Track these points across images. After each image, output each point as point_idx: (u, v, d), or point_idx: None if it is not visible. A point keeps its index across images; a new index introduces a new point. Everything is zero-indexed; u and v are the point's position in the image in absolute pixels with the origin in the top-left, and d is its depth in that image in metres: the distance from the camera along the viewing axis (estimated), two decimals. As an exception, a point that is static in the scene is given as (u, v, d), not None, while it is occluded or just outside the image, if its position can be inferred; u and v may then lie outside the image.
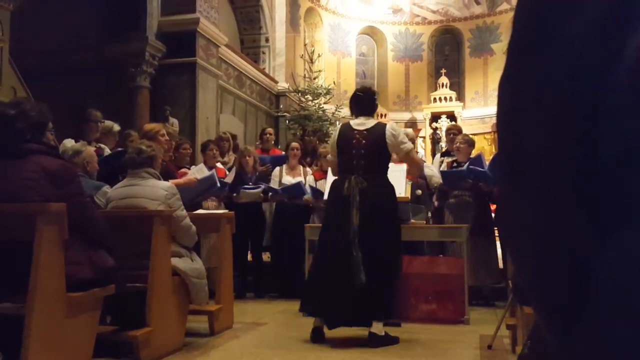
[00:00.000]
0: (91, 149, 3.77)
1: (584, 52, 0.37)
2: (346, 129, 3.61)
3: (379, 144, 3.48)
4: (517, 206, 0.42)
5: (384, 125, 3.61)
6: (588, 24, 0.37)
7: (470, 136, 5.35)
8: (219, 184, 4.83)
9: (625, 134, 0.35)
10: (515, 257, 0.44)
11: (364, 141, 3.48)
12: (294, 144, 5.69)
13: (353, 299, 3.28)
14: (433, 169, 5.24)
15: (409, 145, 3.60)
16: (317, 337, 3.46)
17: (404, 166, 4.25)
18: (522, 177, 0.41)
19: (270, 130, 6.75)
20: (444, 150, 6.12)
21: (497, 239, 5.14)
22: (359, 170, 3.44)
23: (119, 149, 4.49)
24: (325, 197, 3.81)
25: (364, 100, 3.67)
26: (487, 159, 5.52)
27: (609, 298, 0.36)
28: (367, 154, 3.46)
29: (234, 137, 6.79)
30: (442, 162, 5.44)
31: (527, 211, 0.41)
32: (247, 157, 5.48)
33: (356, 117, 3.64)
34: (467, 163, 4.81)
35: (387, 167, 3.61)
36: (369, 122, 3.57)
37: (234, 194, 5.30)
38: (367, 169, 3.45)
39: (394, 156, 3.69)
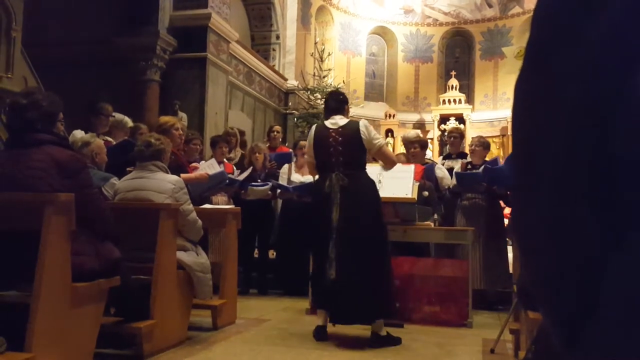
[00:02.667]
0: (100, 141, 3.79)
1: (602, 53, 0.36)
2: (320, 129, 3.64)
3: (355, 139, 3.51)
4: (530, 207, 0.42)
5: (357, 121, 3.66)
6: (607, 25, 0.36)
7: (485, 138, 5.31)
8: (227, 181, 4.84)
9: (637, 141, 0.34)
10: (525, 259, 0.44)
11: (340, 138, 3.51)
12: (303, 142, 5.67)
13: (343, 296, 3.30)
14: (444, 170, 5.22)
15: (381, 141, 3.67)
16: (319, 335, 3.46)
17: (412, 167, 4.24)
18: (536, 177, 0.40)
19: (277, 127, 6.75)
20: (447, 153, 6.11)
21: (508, 243, 5.12)
22: (339, 167, 3.47)
23: (126, 138, 4.50)
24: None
25: (332, 100, 3.74)
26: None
27: (620, 304, 0.35)
28: (344, 150, 3.49)
29: (242, 133, 6.80)
30: (443, 164, 5.42)
31: (539, 212, 0.40)
32: (258, 154, 5.49)
33: (328, 118, 3.66)
34: (483, 166, 4.79)
35: (365, 163, 3.63)
36: (342, 120, 3.61)
37: (242, 191, 5.31)
38: (346, 165, 3.47)
39: (402, 158, 3.68)
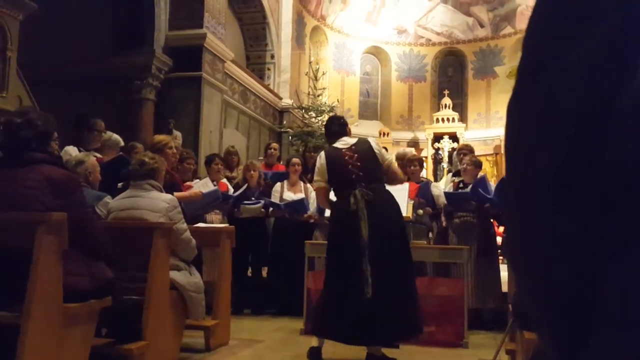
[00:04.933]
0: (94, 160, 3.78)
1: (590, 76, 0.37)
2: (333, 151, 3.61)
3: (371, 154, 3.54)
4: (524, 224, 0.42)
5: (367, 139, 3.72)
6: (594, 48, 0.37)
7: (476, 157, 5.32)
8: (221, 199, 4.83)
9: (635, 157, 0.35)
10: (520, 277, 0.43)
11: (355, 155, 3.52)
12: (295, 160, 5.70)
13: (378, 315, 3.18)
14: (441, 188, 5.23)
15: (392, 157, 3.75)
16: (314, 357, 3.42)
17: (406, 185, 4.25)
18: (530, 194, 0.40)
19: (275, 145, 6.76)
20: (451, 169, 6.07)
21: (500, 261, 5.11)
22: (361, 183, 3.43)
23: (120, 153, 4.49)
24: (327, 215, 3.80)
25: (334, 124, 3.77)
26: (490, 180, 5.50)
27: (619, 320, 0.35)
28: (363, 165, 3.48)
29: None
30: (453, 181, 5.40)
31: (534, 229, 0.40)
32: (252, 172, 5.48)
33: (335, 141, 3.66)
34: (472, 185, 4.81)
35: (383, 177, 3.61)
36: (351, 140, 3.64)
37: (235, 209, 5.29)
38: (368, 180, 3.45)
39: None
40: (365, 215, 3.32)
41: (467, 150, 5.53)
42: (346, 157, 3.51)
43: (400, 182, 3.75)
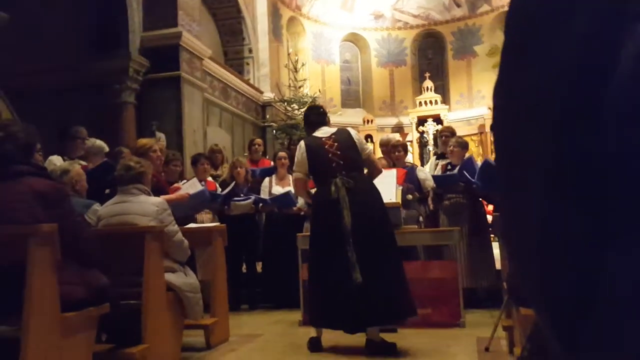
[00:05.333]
0: (79, 168, 3.75)
1: (578, 58, 0.36)
2: (312, 140, 3.63)
3: (351, 143, 3.56)
4: (518, 211, 0.41)
5: (346, 128, 3.74)
6: (581, 30, 0.36)
7: (462, 138, 5.36)
8: (210, 199, 4.82)
9: (626, 139, 0.34)
10: (518, 264, 0.43)
11: (336, 143, 3.54)
12: (282, 154, 5.70)
13: (369, 300, 3.23)
14: (426, 172, 5.27)
15: (371, 149, 3.77)
16: (314, 347, 3.45)
17: (394, 171, 4.28)
18: (522, 180, 0.40)
19: (259, 141, 6.76)
20: (437, 152, 6.10)
21: (493, 239, 5.16)
22: (341, 171, 3.46)
23: (105, 159, 4.46)
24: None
25: (313, 114, 3.79)
26: (477, 159, 5.54)
27: (619, 304, 0.35)
28: (343, 154, 3.50)
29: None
30: (437, 164, 5.45)
31: (528, 216, 0.40)
32: (239, 169, 5.48)
33: (314, 131, 3.68)
34: (459, 167, 4.85)
35: (363, 165, 3.64)
36: (331, 129, 3.67)
37: (226, 207, 5.29)
38: (348, 168, 3.48)
39: (384, 162, 3.69)
40: (347, 202, 3.35)
41: (449, 132, 5.57)
42: (326, 146, 3.53)
43: (379, 173, 3.75)
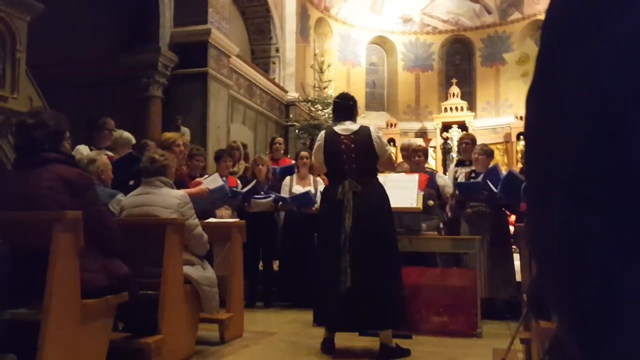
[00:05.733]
0: (105, 158, 3.81)
1: (613, 72, 0.36)
2: (331, 135, 3.60)
3: (367, 146, 3.50)
4: (546, 216, 0.41)
5: (368, 127, 3.63)
6: (619, 42, 0.36)
7: (488, 146, 5.29)
8: (230, 195, 4.85)
9: None
10: (543, 267, 0.43)
11: (352, 145, 3.49)
12: (304, 153, 5.71)
13: (358, 304, 3.26)
14: (446, 179, 5.22)
15: (391, 149, 3.74)
16: (327, 348, 3.45)
17: (416, 176, 4.25)
18: (551, 188, 0.40)
19: (280, 139, 6.78)
20: (457, 159, 6.05)
21: (514, 250, 5.08)
22: (352, 175, 3.44)
23: (130, 151, 4.52)
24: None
25: (342, 106, 3.71)
26: (502, 168, 5.47)
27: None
28: (357, 157, 3.47)
29: (245, 146, 6.84)
30: (456, 171, 5.39)
31: (555, 222, 0.40)
32: (261, 166, 5.51)
33: (338, 123, 3.65)
34: (483, 175, 4.78)
35: (377, 170, 3.61)
36: (353, 126, 3.58)
37: (245, 204, 5.32)
38: (359, 173, 3.45)
39: (406, 166, 3.67)
40: (350, 206, 3.35)
41: (470, 139, 5.53)
42: (342, 146, 3.50)
43: (393, 171, 3.78)
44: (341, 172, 3.47)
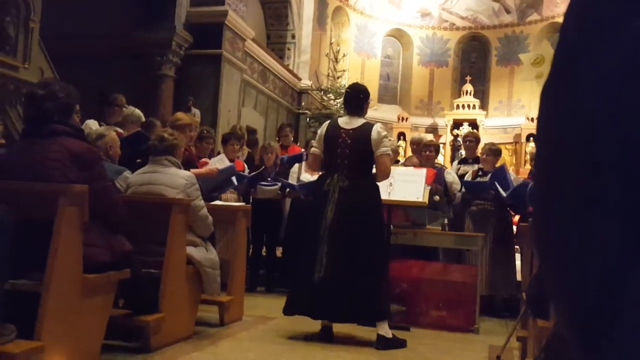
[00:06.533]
0: (114, 134, 3.81)
1: (632, 61, 0.36)
2: (334, 126, 3.61)
3: (364, 143, 3.46)
4: (553, 217, 0.42)
5: (372, 124, 3.58)
6: (635, 39, 0.36)
7: (496, 145, 5.29)
8: (235, 181, 4.84)
9: None
10: (546, 265, 0.44)
11: (349, 141, 3.48)
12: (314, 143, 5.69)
13: (329, 294, 3.29)
14: (454, 175, 5.20)
15: (388, 150, 3.55)
16: (325, 336, 3.46)
17: (424, 171, 4.23)
18: (559, 188, 0.40)
19: (288, 128, 6.72)
20: (462, 157, 6.06)
21: (516, 249, 5.09)
22: (343, 170, 3.45)
23: (139, 129, 4.52)
24: None
25: (350, 97, 3.69)
26: (510, 169, 5.45)
27: None
28: (351, 153, 3.47)
29: (254, 131, 6.82)
30: (459, 169, 5.40)
31: (562, 222, 0.40)
32: (270, 154, 5.51)
33: (346, 114, 3.64)
34: (490, 175, 4.78)
35: (372, 168, 3.56)
36: (356, 122, 3.55)
37: (252, 190, 5.32)
38: (350, 168, 3.45)
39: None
40: (335, 198, 3.37)
41: (473, 137, 5.58)
42: (340, 140, 3.50)
43: (383, 177, 3.53)
44: (334, 165, 3.50)
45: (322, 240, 3.34)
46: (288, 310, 3.50)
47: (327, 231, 3.34)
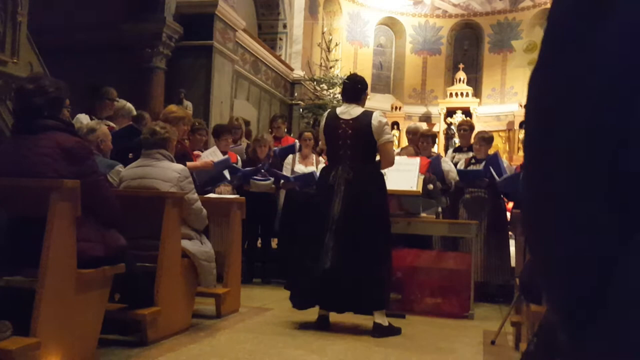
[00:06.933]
0: (105, 128, 3.78)
1: (619, 54, 0.36)
2: (332, 117, 3.59)
3: (365, 132, 3.45)
4: (544, 201, 0.42)
5: (371, 113, 3.57)
6: (616, 28, 0.36)
7: (488, 133, 5.30)
8: (228, 176, 4.83)
9: None
10: (536, 251, 0.44)
11: (349, 131, 3.47)
12: (307, 134, 5.68)
13: (335, 285, 3.31)
14: (451, 164, 5.21)
15: (391, 137, 3.58)
16: (322, 325, 3.48)
17: (417, 160, 4.23)
18: (551, 175, 0.40)
19: (280, 120, 6.68)
20: (457, 145, 6.08)
21: (510, 236, 5.12)
22: (346, 160, 3.44)
23: (130, 123, 4.49)
24: None
25: (348, 87, 3.67)
26: (503, 156, 5.47)
27: (628, 301, 0.35)
28: (353, 143, 3.46)
29: (247, 123, 6.79)
30: (453, 157, 5.41)
31: (553, 207, 0.40)
32: (263, 147, 5.49)
33: (345, 104, 3.62)
34: (484, 162, 4.80)
35: (375, 155, 3.56)
36: (355, 111, 3.53)
37: (246, 184, 5.32)
38: (354, 159, 3.45)
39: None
40: (341, 191, 3.37)
41: (467, 125, 5.61)
42: (340, 130, 3.49)
43: (388, 164, 3.56)
44: (337, 157, 3.50)
45: (328, 232, 3.33)
46: (298, 304, 3.50)
47: (335, 224, 3.33)
